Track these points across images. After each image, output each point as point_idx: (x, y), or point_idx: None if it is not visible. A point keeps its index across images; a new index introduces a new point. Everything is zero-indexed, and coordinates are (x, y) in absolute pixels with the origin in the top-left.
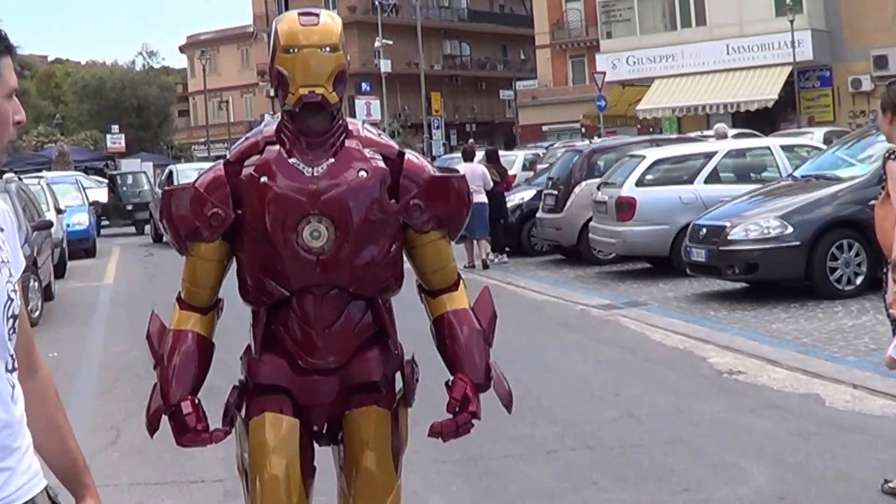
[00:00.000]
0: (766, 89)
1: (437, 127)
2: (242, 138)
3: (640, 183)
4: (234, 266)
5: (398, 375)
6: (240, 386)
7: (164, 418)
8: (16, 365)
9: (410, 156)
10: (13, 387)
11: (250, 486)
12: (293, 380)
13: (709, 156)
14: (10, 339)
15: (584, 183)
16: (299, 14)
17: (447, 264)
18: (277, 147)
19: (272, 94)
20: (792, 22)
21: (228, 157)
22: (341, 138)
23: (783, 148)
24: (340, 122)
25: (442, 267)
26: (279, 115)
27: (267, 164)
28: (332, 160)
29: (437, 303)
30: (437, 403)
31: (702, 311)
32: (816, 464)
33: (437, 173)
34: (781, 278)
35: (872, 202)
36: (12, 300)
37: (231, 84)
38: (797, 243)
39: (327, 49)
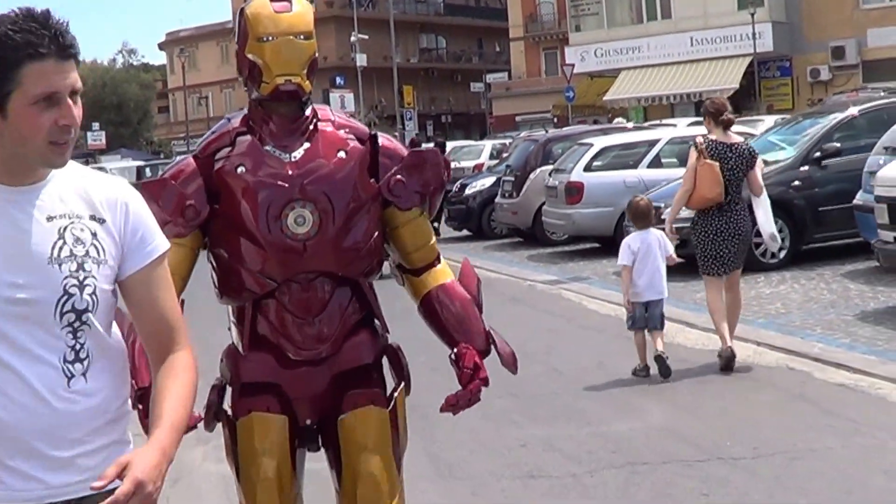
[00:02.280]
0: (727, 79)
1: (410, 118)
2: (208, 132)
3: (587, 168)
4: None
5: (385, 361)
6: (219, 385)
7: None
8: (83, 356)
9: (382, 137)
10: (70, 377)
11: (242, 487)
12: (282, 374)
13: (652, 143)
14: (70, 333)
15: (538, 170)
16: (271, 1)
17: (428, 241)
18: (249, 137)
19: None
20: (753, 15)
21: (196, 151)
22: (314, 122)
23: None
24: (310, 107)
25: (423, 244)
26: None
27: (243, 155)
28: (308, 144)
29: (420, 281)
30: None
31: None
32: (706, 404)
33: (413, 149)
34: None
35: (795, 183)
36: (72, 295)
37: (211, 80)
38: None
39: (302, 37)
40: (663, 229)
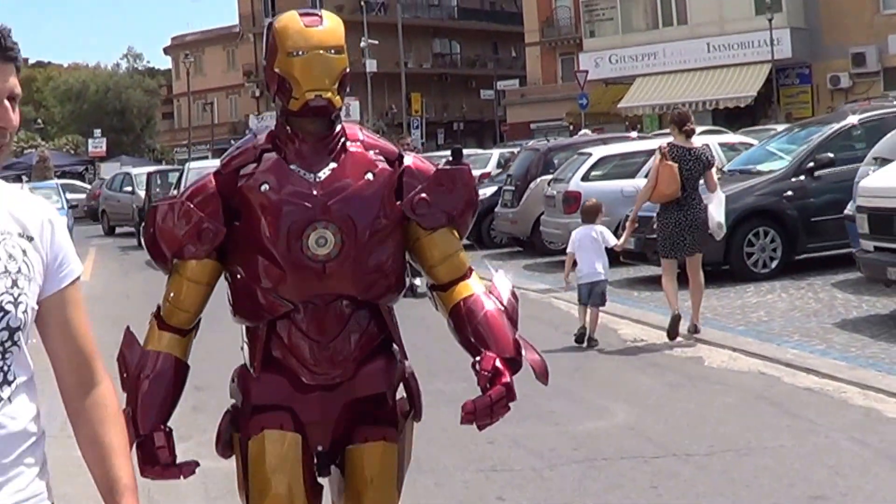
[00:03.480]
0: (745, 87)
1: (416, 127)
2: (233, 147)
3: (585, 178)
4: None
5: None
6: (233, 411)
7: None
8: (10, 378)
9: (411, 157)
10: (5, 399)
11: None
12: (295, 398)
13: (650, 153)
14: (0, 353)
15: (539, 179)
16: (301, 14)
17: (455, 251)
18: (275, 154)
19: (257, 94)
20: (770, 21)
21: (218, 167)
22: (342, 141)
23: (722, 145)
24: (340, 125)
25: (450, 254)
26: (264, 116)
27: (267, 172)
28: (335, 164)
29: (449, 295)
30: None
31: (627, 293)
32: (672, 406)
33: (441, 167)
34: (702, 263)
35: (788, 193)
36: (7, 312)
37: (216, 85)
38: None
39: (332, 51)
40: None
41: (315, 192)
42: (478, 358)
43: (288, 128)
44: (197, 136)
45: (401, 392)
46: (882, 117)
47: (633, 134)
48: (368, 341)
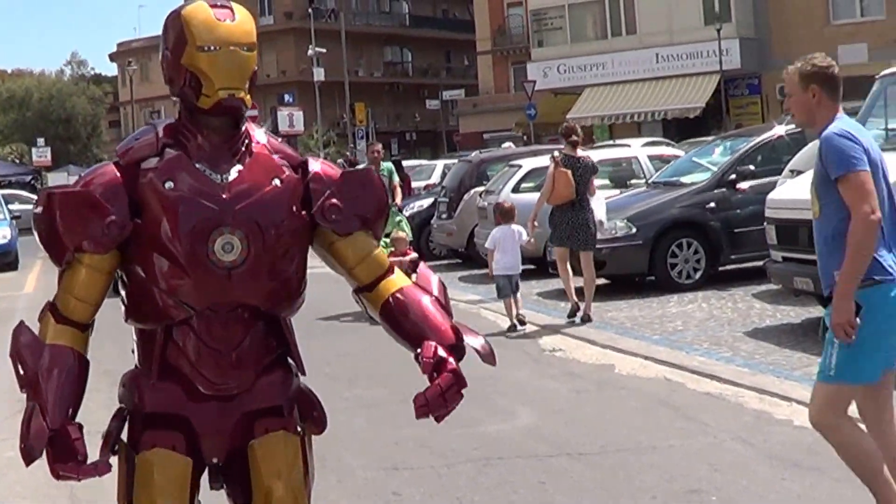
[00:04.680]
0: (694, 97)
1: (361, 137)
2: (130, 137)
3: (516, 190)
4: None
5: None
6: (121, 414)
7: None
8: None
9: (317, 162)
10: None
11: None
12: (190, 407)
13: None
14: None
15: (472, 191)
16: (211, 6)
17: (372, 250)
18: (178, 150)
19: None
20: (719, 31)
21: (118, 157)
22: (246, 142)
23: (651, 157)
24: (244, 125)
25: (368, 254)
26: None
27: (171, 169)
28: (241, 166)
29: (375, 294)
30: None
31: (555, 304)
32: (575, 409)
33: (347, 170)
34: (628, 273)
35: (710, 205)
36: None
37: (163, 93)
38: (640, 242)
39: (245, 48)
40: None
41: (222, 195)
42: (419, 350)
43: (191, 122)
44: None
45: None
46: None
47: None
48: (267, 353)
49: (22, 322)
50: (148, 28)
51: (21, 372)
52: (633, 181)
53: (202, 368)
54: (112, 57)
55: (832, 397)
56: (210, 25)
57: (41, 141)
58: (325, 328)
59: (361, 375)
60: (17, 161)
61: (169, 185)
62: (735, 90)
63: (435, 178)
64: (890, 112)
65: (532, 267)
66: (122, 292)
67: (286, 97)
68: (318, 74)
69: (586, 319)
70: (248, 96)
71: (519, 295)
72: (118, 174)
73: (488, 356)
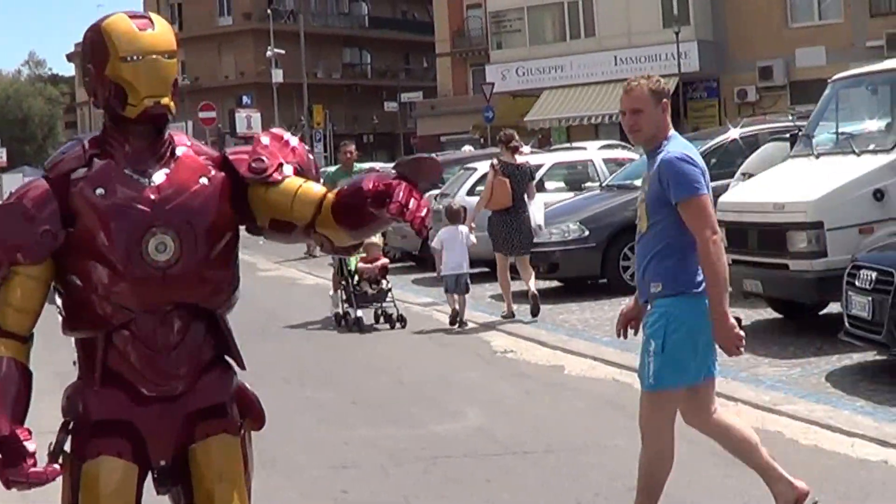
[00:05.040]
0: None
1: (319, 139)
2: (57, 152)
3: (470, 192)
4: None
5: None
6: (67, 425)
7: None
8: None
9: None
10: None
11: None
12: (135, 411)
13: (535, 168)
14: None
15: (426, 194)
16: (130, 17)
17: (301, 184)
18: (107, 159)
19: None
20: (678, 34)
21: (46, 172)
22: (171, 147)
23: (606, 161)
24: (168, 131)
25: (297, 188)
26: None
27: (100, 176)
28: (167, 169)
29: (324, 213)
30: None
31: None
32: (523, 410)
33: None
34: (580, 276)
35: None
36: None
37: None
38: (593, 245)
39: (167, 56)
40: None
41: (152, 197)
42: (368, 199)
43: (116, 131)
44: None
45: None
46: (759, 133)
47: (526, 148)
48: (206, 352)
49: None
50: None
51: None
52: (588, 184)
53: (144, 371)
54: (69, 57)
55: (654, 404)
56: (132, 36)
57: None
58: (279, 332)
59: (312, 378)
60: None
61: (100, 191)
62: (693, 93)
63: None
64: (841, 116)
65: (486, 270)
66: (60, 304)
67: (244, 99)
68: (277, 76)
69: (536, 312)
70: (172, 102)
71: (466, 297)
72: (48, 187)
73: (434, 172)
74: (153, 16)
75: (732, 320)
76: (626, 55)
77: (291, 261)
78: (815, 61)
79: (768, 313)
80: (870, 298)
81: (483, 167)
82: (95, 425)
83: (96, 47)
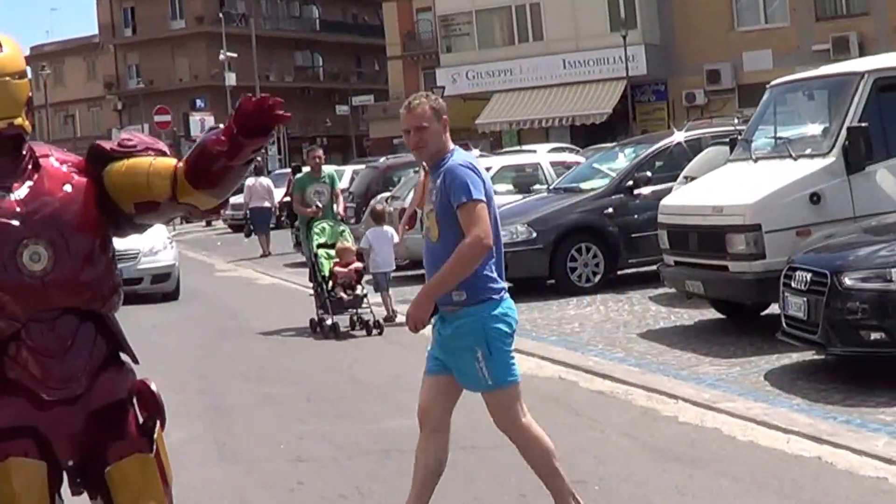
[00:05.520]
0: (601, 103)
1: (273, 143)
2: None
3: None
4: None
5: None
6: None
7: None
8: None
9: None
10: None
11: None
12: (37, 416)
13: (486, 170)
14: None
15: (378, 196)
16: None
17: (151, 161)
18: None
19: (119, 107)
20: (625, 37)
21: None
22: (32, 160)
23: (553, 164)
24: (27, 145)
25: (149, 164)
26: (127, 129)
27: None
28: (31, 182)
29: (180, 181)
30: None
31: None
32: (472, 407)
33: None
34: (528, 277)
35: (607, 210)
36: None
37: (77, 97)
38: (540, 246)
39: (16, 76)
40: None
41: (18, 210)
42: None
43: None
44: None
45: None
46: (702, 136)
47: (475, 151)
48: (99, 352)
49: None
50: (60, 31)
51: None
52: (536, 187)
53: (39, 377)
54: (25, 60)
55: (504, 400)
56: None
57: None
58: (237, 331)
59: (270, 375)
60: None
61: None
62: (642, 96)
63: (344, 184)
64: (779, 121)
65: None
66: None
67: (198, 102)
68: (230, 79)
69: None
70: (27, 122)
71: (390, 291)
72: None
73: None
74: (1, 37)
75: (430, 309)
76: (575, 59)
77: (247, 260)
78: (763, 65)
79: (711, 314)
80: (805, 299)
81: None
82: (1, 432)
83: None
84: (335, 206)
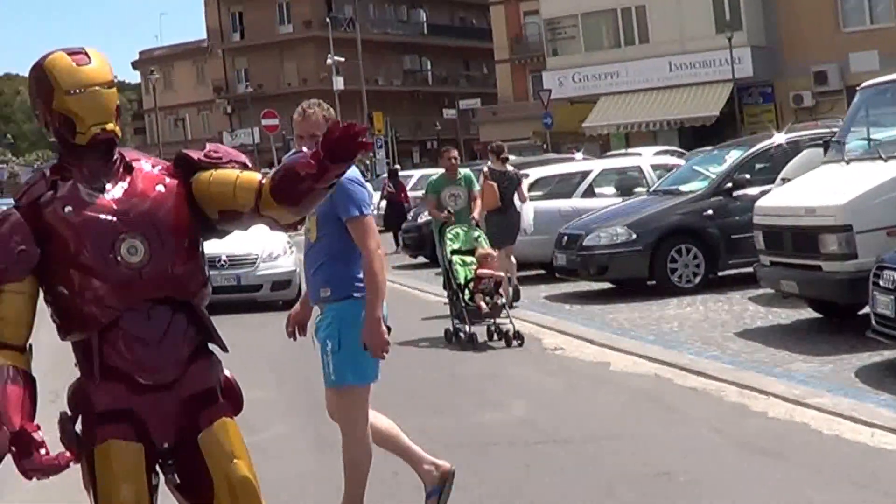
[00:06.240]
0: (708, 106)
1: (381, 146)
2: (24, 183)
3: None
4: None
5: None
6: (69, 417)
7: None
8: None
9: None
10: None
11: None
12: (135, 400)
13: (585, 174)
14: None
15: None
16: (69, 54)
17: (238, 174)
18: (71, 181)
19: (229, 110)
20: (730, 39)
21: (17, 202)
22: (124, 163)
23: (654, 166)
24: (118, 149)
25: (235, 177)
26: (237, 134)
27: (67, 197)
28: (125, 183)
29: (264, 195)
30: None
31: (559, 306)
32: (566, 402)
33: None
34: (628, 278)
35: (707, 212)
36: None
37: (187, 101)
38: (640, 248)
39: (107, 86)
40: None
41: (116, 207)
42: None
43: (72, 157)
44: (169, 152)
45: None
46: (800, 139)
47: (578, 155)
48: (190, 340)
49: None
50: (170, 36)
51: None
52: (638, 189)
53: (136, 362)
54: (134, 65)
55: (344, 399)
56: (72, 71)
57: None
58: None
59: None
60: None
61: (68, 209)
62: (749, 98)
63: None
64: (871, 122)
65: (542, 272)
66: (54, 315)
67: None
68: (338, 83)
69: (517, 298)
70: (117, 127)
71: None
72: (19, 214)
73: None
74: (89, 50)
75: (384, 327)
76: (680, 61)
77: None
78: (869, 66)
79: (808, 313)
80: (893, 297)
81: (536, 173)
82: (100, 415)
83: (42, 84)
84: (472, 209)
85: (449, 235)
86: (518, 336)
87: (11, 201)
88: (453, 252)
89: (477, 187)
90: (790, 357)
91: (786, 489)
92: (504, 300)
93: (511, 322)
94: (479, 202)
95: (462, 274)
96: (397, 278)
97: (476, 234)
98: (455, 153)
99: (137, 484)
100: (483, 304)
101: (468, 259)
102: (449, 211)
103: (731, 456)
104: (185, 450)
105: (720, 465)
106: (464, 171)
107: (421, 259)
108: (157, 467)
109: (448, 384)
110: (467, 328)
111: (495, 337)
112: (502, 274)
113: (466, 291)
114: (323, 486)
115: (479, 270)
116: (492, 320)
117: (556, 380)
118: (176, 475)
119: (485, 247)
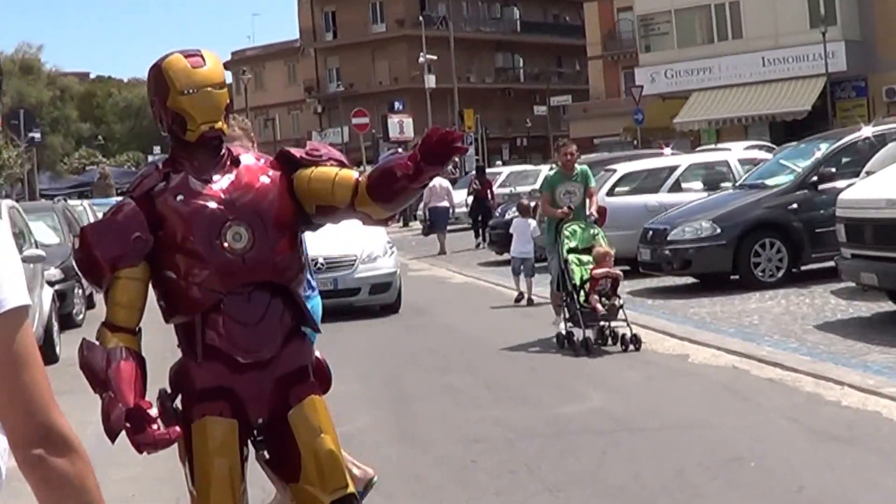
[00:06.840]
0: (800, 101)
1: (470, 143)
2: (137, 175)
3: (610, 193)
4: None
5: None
6: (168, 394)
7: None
8: None
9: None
10: None
11: (196, 485)
12: (234, 378)
13: (672, 169)
14: None
15: (528, 190)
16: (185, 56)
17: (337, 171)
18: (182, 172)
19: (319, 110)
20: (824, 34)
21: (130, 193)
22: (231, 157)
23: (741, 161)
24: (225, 145)
25: (335, 174)
26: (326, 133)
27: (178, 187)
28: (232, 175)
29: (360, 193)
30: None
31: (642, 301)
32: (643, 393)
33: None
34: (712, 272)
35: (792, 206)
36: None
37: (277, 100)
38: (724, 242)
39: (218, 87)
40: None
41: (223, 196)
42: (410, 166)
43: (183, 151)
44: (260, 152)
45: None
46: (887, 132)
47: (667, 150)
48: (286, 322)
49: (84, 338)
50: (262, 36)
51: (91, 376)
52: (724, 184)
53: (236, 343)
54: (227, 65)
55: None
56: (187, 73)
57: (157, 149)
58: (422, 326)
59: (453, 366)
60: (134, 169)
61: (179, 198)
62: (842, 93)
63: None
64: None
65: (626, 268)
66: (161, 299)
67: (396, 104)
68: (430, 81)
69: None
70: (225, 125)
71: (532, 279)
72: (134, 203)
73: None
74: (204, 52)
75: None
76: (774, 56)
77: (428, 258)
78: None
79: (889, 306)
80: None
81: (623, 168)
82: (200, 393)
83: (158, 83)
84: (588, 206)
85: (566, 232)
86: (635, 340)
87: (104, 201)
88: (570, 251)
89: (594, 183)
90: (867, 348)
91: (854, 474)
92: (621, 301)
93: (628, 325)
94: (594, 198)
95: (578, 274)
96: (482, 275)
97: (594, 231)
98: (573, 148)
99: (231, 458)
100: (599, 306)
101: (584, 258)
102: (570, 207)
103: (802, 442)
104: (276, 426)
105: (790, 451)
106: (580, 167)
107: (506, 256)
108: (249, 442)
109: (527, 376)
110: (582, 332)
111: (609, 341)
112: (620, 273)
113: (581, 293)
114: (404, 473)
115: (595, 270)
116: (607, 323)
117: (635, 372)
118: (266, 451)
119: (603, 245)
